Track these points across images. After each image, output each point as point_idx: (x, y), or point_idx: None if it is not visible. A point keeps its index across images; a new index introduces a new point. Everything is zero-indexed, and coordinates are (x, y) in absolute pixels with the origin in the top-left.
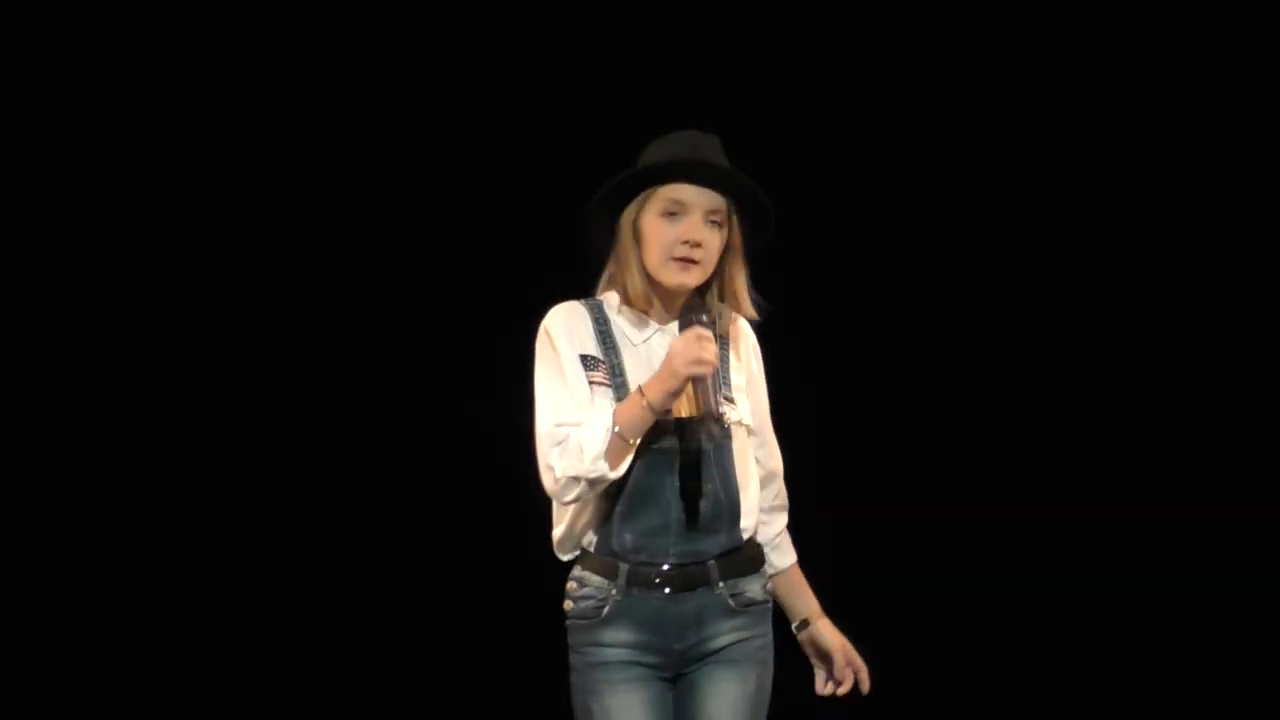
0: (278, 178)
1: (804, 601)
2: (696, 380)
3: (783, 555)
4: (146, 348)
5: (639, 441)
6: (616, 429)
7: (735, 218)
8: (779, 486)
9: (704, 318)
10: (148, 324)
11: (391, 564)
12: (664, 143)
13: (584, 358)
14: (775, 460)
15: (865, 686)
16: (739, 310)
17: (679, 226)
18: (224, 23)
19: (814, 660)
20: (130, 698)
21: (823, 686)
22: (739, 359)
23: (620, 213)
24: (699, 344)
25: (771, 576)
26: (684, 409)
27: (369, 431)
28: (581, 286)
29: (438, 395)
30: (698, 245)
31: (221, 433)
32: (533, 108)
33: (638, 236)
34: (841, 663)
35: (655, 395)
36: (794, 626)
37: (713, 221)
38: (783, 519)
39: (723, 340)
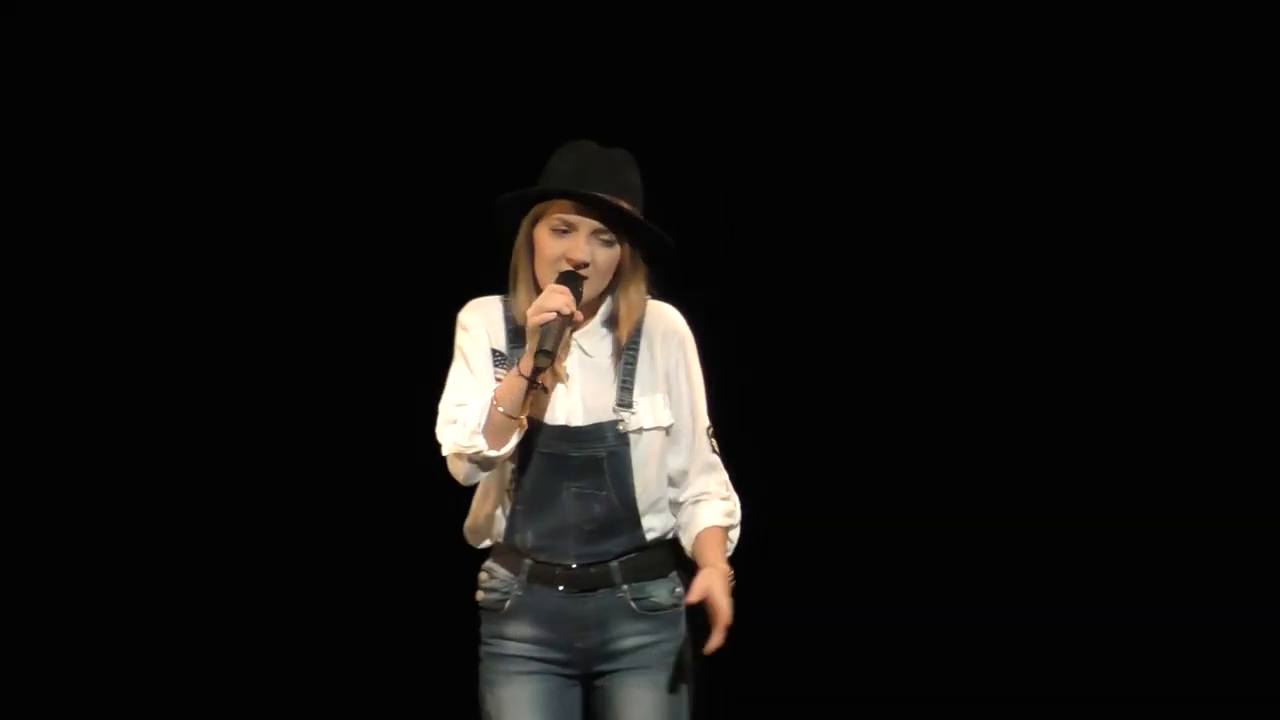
0: (252, 179)
1: (704, 559)
2: (543, 325)
3: (701, 522)
4: (125, 347)
5: (522, 425)
6: (496, 404)
7: (627, 235)
8: (708, 483)
9: (571, 280)
10: (126, 323)
11: (367, 556)
12: (563, 157)
13: (494, 352)
14: (702, 455)
15: (714, 640)
16: (619, 324)
17: (566, 243)
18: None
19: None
20: (115, 695)
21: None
22: (654, 358)
23: (520, 221)
24: (548, 295)
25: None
26: (579, 418)
27: (344, 429)
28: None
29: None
30: (584, 264)
31: (194, 428)
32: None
33: (532, 248)
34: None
35: (524, 361)
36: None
37: (603, 240)
38: (717, 508)
39: (634, 341)
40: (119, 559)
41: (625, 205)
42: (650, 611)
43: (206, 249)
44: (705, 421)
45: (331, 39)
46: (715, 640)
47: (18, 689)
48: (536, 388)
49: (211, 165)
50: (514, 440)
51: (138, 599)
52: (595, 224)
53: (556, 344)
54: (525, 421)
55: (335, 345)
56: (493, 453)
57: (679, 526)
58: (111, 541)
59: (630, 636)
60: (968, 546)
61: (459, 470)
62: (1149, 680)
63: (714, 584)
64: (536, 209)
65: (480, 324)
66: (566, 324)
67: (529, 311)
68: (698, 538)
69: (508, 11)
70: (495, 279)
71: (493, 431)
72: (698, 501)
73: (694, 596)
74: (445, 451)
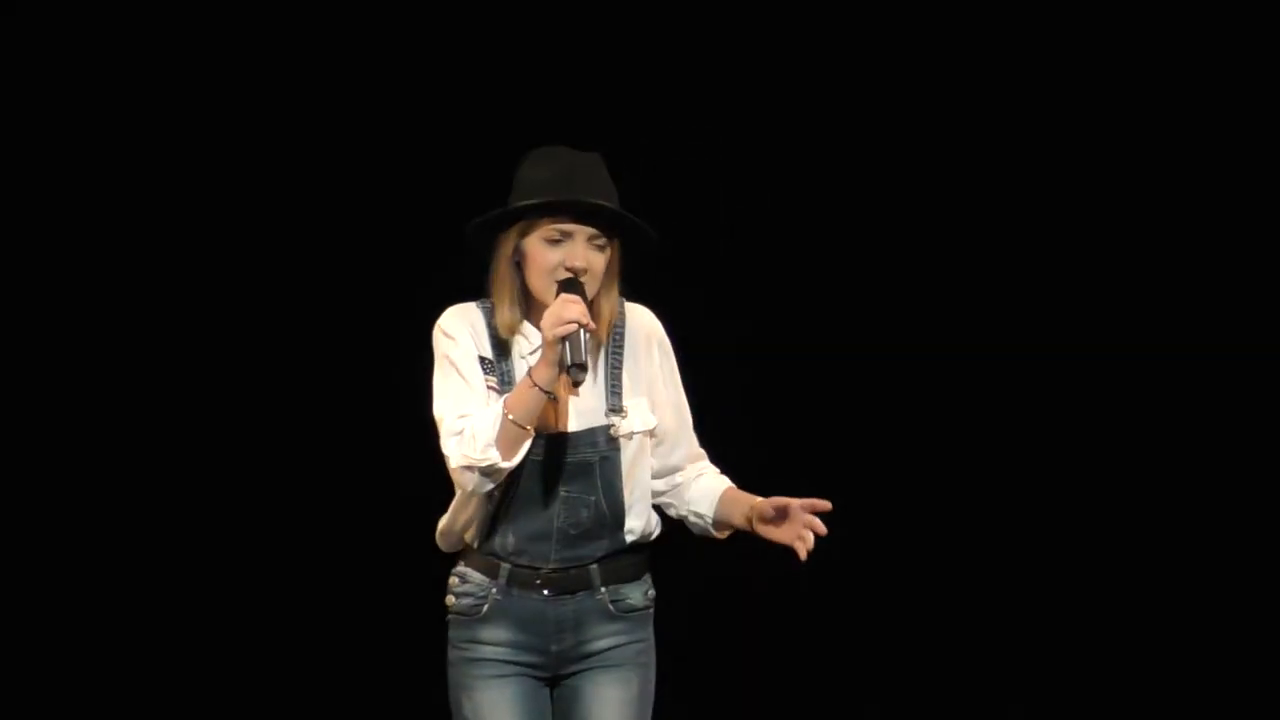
0: (244, 182)
1: (744, 503)
2: (566, 338)
3: (716, 485)
4: (116, 347)
5: (532, 435)
6: (509, 415)
7: (616, 239)
8: (703, 465)
9: (573, 288)
10: (120, 323)
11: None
12: (541, 165)
13: (481, 359)
14: (685, 448)
15: (821, 507)
16: (606, 323)
17: (562, 252)
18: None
19: (781, 539)
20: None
21: (804, 552)
22: (637, 362)
23: (497, 234)
24: (563, 306)
25: (717, 513)
26: (570, 423)
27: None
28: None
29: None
30: (583, 270)
31: (182, 428)
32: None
33: (520, 259)
34: (796, 513)
35: (539, 372)
36: (750, 526)
37: (596, 245)
38: (722, 478)
39: (618, 345)
40: (90, 567)
41: (628, 215)
42: (625, 613)
43: (201, 250)
44: (690, 418)
45: (322, 41)
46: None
47: (18, 689)
48: (552, 397)
49: (206, 167)
50: (524, 450)
51: (115, 602)
52: (591, 230)
53: (585, 354)
54: (533, 431)
55: (308, 353)
56: (506, 464)
57: (688, 502)
58: (82, 550)
59: (605, 638)
60: (972, 557)
61: (468, 481)
62: None
63: (775, 499)
64: (524, 222)
65: (465, 332)
66: (585, 333)
67: (545, 324)
68: (721, 497)
69: (500, 11)
70: (457, 282)
71: (505, 443)
72: (700, 475)
73: (775, 504)
74: (455, 464)
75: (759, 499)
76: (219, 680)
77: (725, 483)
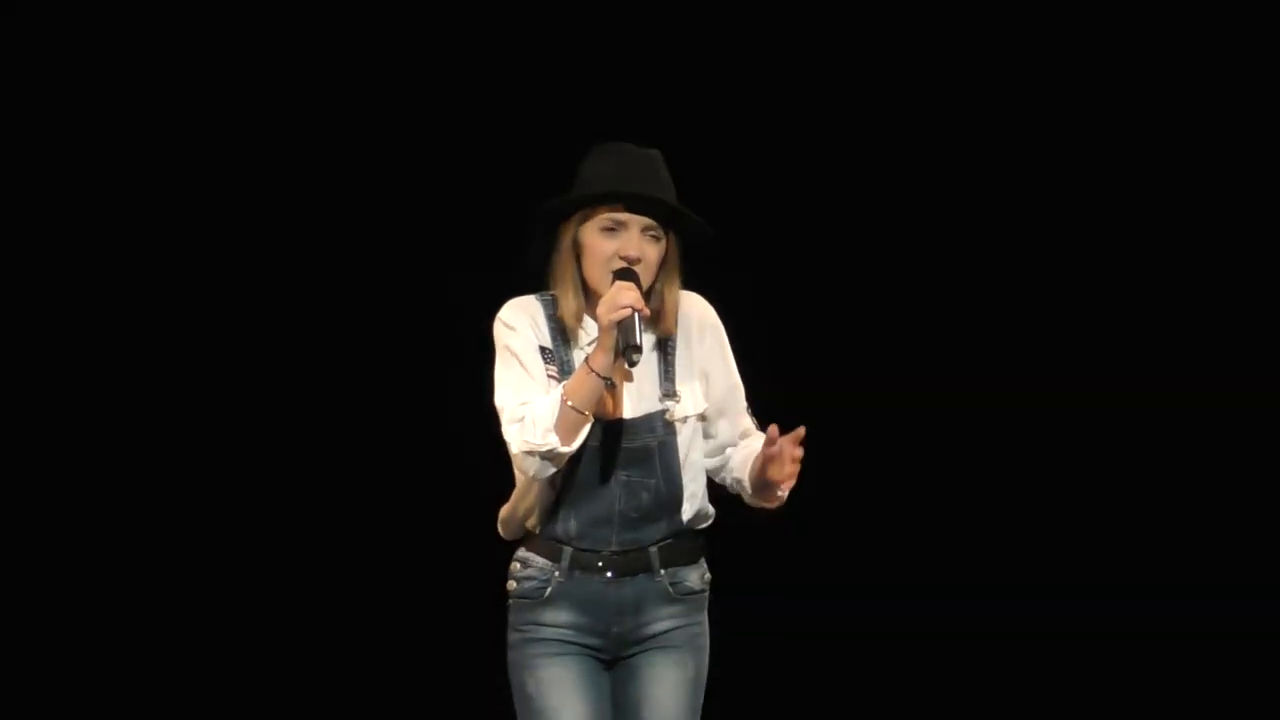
0: (252, 177)
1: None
2: (621, 323)
3: (754, 450)
4: (131, 347)
5: (590, 420)
6: (568, 401)
7: (672, 230)
8: (751, 438)
9: (628, 274)
10: (132, 323)
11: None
12: (602, 160)
13: (541, 349)
14: (737, 426)
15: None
16: (664, 317)
17: (617, 242)
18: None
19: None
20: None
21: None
22: (690, 347)
23: (559, 225)
24: (618, 292)
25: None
26: (628, 409)
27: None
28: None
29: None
30: (637, 260)
31: (190, 428)
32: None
33: (578, 250)
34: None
35: (596, 358)
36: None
37: (651, 235)
38: (750, 444)
39: (674, 331)
40: (142, 558)
41: (681, 207)
42: (683, 595)
43: (212, 246)
44: (744, 402)
45: (344, 33)
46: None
47: (18, 689)
48: (610, 383)
49: (211, 163)
50: (584, 435)
51: (153, 595)
52: (646, 221)
53: (639, 337)
54: (592, 416)
55: (365, 333)
56: (565, 449)
57: (731, 470)
58: (139, 540)
59: (663, 620)
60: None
61: (529, 466)
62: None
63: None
64: (582, 211)
65: (525, 322)
66: (639, 317)
67: (600, 310)
68: (752, 460)
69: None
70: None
71: (565, 428)
72: (746, 444)
73: (772, 438)
74: (515, 450)
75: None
76: (283, 667)
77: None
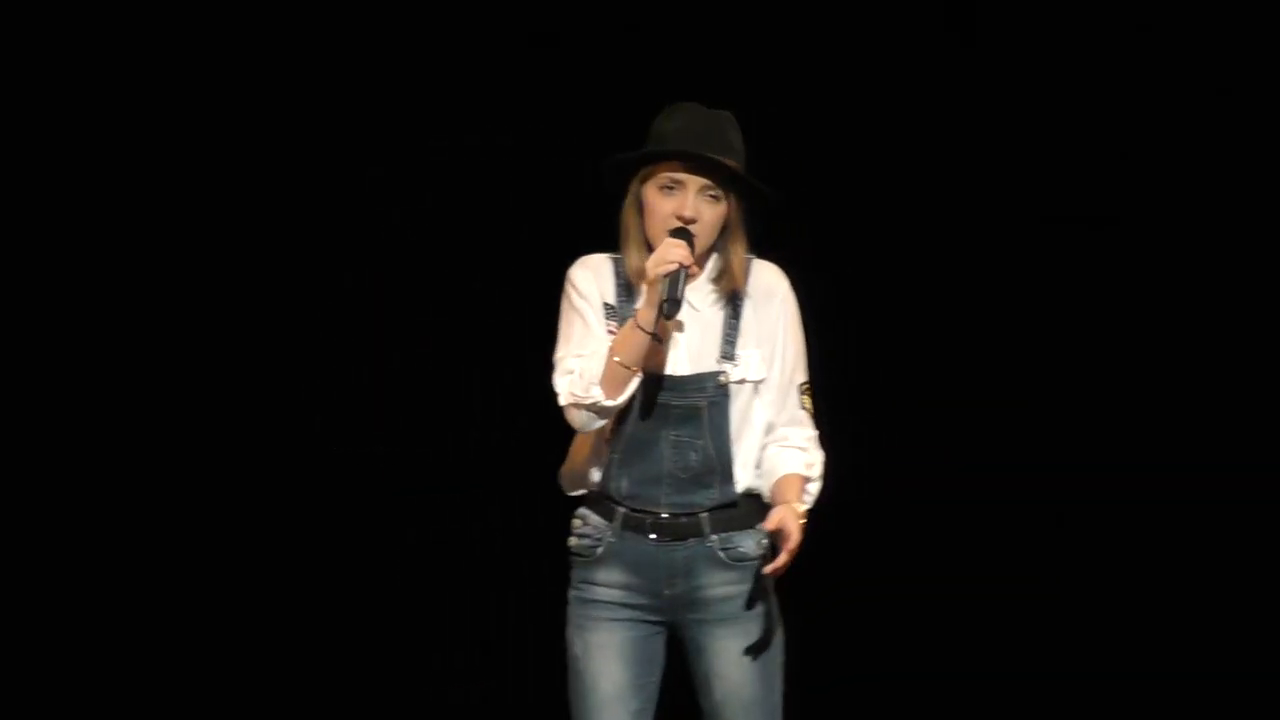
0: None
1: (780, 499)
2: (667, 276)
3: (783, 466)
4: (142, 346)
5: (638, 375)
6: (614, 356)
7: (734, 192)
8: (792, 434)
9: (684, 233)
10: (141, 322)
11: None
12: (669, 118)
13: (605, 306)
14: (790, 409)
15: (779, 561)
16: (732, 278)
17: (674, 201)
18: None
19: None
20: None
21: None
22: (756, 314)
23: (628, 181)
24: (667, 249)
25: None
26: (682, 367)
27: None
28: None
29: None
30: (692, 220)
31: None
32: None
33: (640, 208)
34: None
35: (642, 313)
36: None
37: (710, 196)
38: (798, 458)
39: (738, 295)
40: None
41: (730, 163)
42: (738, 561)
43: (212, 245)
44: (801, 378)
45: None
46: (780, 561)
47: (18, 689)
48: (655, 339)
49: (211, 163)
50: (630, 389)
51: (191, 580)
52: (703, 181)
53: (680, 291)
54: (640, 372)
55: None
56: (609, 402)
57: (761, 474)
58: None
59: (718, 586)
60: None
61: (576, 419)
62: None
63: (786, 515)
64: (645, 169)
65: (591, 280)
66: (685, 274)
67: (649, 264)
68: (777, 483)
69: None
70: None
71: (610, 382)
72: (780, 450)
73: (770, 525)
74: (562, 401)
75: (779, 510)
76: (354, 620)
77: (792, 467)
